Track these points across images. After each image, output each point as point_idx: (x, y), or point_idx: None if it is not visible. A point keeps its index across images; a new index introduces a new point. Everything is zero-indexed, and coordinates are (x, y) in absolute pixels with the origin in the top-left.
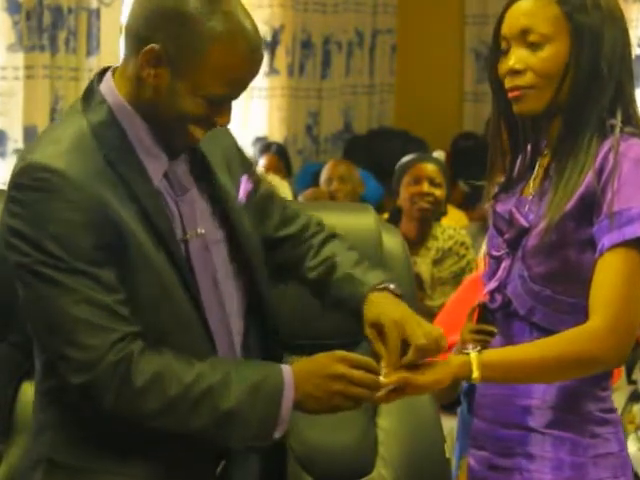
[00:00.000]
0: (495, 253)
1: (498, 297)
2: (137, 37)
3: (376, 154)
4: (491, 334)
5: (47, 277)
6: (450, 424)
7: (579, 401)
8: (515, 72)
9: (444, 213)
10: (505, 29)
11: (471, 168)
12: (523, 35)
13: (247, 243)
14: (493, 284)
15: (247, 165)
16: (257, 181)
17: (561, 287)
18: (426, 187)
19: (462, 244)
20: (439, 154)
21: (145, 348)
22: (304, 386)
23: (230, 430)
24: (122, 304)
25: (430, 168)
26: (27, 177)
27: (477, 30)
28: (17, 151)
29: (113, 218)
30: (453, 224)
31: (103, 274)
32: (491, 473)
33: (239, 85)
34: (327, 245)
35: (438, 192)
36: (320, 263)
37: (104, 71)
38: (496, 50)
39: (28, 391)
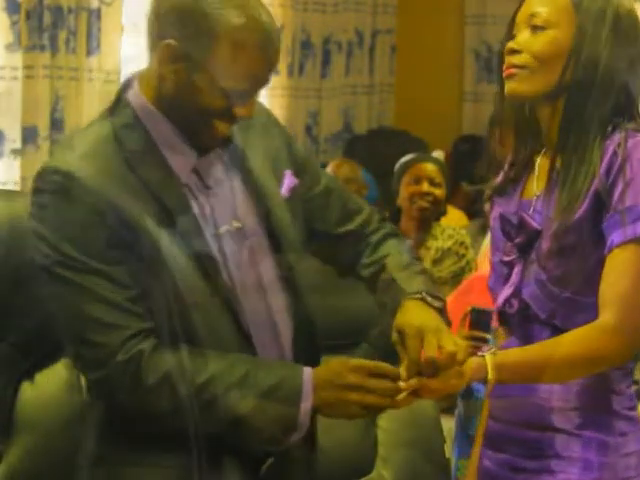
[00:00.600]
0: (505, 258)
1: (514, 302)
2: (155, 35)
3: (376, 154)
4: (483, 340)
5: (62, 277)
6: (450, 424)
7: (607, 400)
8: (513, 51)
9: (444, 213)
10: (518, 15)
11: (472, 169)
12: (530, 19)
13: (282, 237)
14: (508, 290)
15: (298, 162)
16: (315, 178)
17: (582, 288)
18: (426, 187)
19: (462, 244)
20: (438, 154)
21: (158, 345)
22: (321, 393)
23: (244, 432)
24: (135, 301)
25: (430, 168)
26: (42, 181)
27: (477, 30)
28: (15, 151)
29: (127, 218)
30: (453, 224)
31: (116, 272)
32: (514, 475)
33: (256, 78)
34: (384, 244)
35: (438, 192)
36: (374, 262)
37: (133, 77)
38: (509, 37)
39: (28, 391)
